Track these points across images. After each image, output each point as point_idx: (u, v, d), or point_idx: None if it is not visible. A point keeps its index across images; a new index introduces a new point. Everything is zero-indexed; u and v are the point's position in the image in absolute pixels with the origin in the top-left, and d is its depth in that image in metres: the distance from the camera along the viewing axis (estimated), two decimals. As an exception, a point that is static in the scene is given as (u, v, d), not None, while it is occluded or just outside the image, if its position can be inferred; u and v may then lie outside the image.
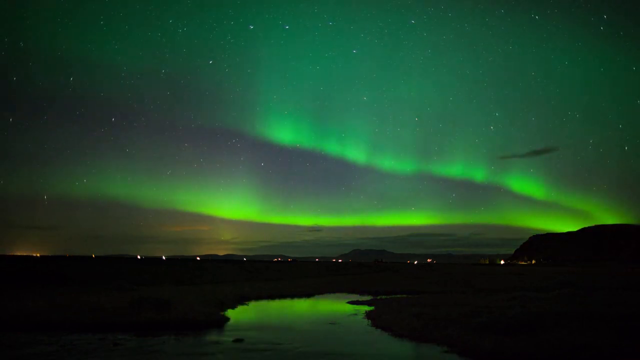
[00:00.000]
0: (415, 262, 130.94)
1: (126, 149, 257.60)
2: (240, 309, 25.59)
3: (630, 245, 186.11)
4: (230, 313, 22.98)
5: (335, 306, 28.57)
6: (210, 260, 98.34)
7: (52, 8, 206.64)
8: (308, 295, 35.23)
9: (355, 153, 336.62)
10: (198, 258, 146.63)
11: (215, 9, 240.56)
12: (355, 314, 23.24)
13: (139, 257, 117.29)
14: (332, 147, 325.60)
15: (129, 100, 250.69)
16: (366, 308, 25.31)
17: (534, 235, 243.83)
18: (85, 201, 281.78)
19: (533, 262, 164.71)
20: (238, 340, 15.68)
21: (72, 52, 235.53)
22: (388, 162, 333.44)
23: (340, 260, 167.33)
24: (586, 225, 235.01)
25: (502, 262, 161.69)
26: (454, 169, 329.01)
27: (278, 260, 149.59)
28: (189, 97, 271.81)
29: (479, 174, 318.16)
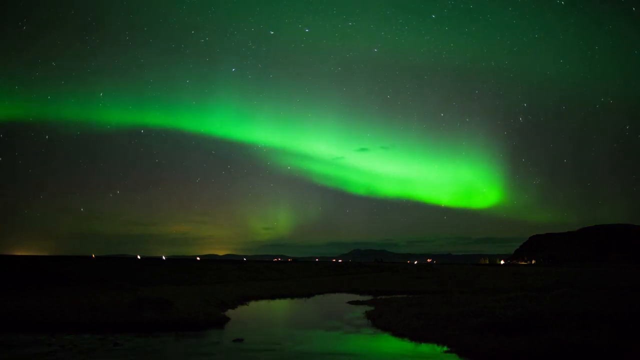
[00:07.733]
0: (415, 262, 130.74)
1: (155, 159, 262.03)
2: (240, 309, 25.60)
3: (630, 245, 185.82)
4: (230, 313, 22.99)
5: (335, 306, 28.58)
6: (210, 260, 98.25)
7: (78, 25, 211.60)
8: (308, 295, 35.25)
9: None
10: (198, 258, 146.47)
11: (236, 17, 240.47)
12: (355, 314, 23.25)
13: (138, 257, 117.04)
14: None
15: (155, 110, 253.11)
16: (366, 308, 25.28)
17: (534, 235, 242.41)
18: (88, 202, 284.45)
19: (533, 262, 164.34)
20: (238, 340, 15.70)
21: (98, 67, 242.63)
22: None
23: (340, 260, 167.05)
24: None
25: (502, 262, 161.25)
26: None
27: (278, 260, 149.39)
28: (214, 106, 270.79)
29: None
